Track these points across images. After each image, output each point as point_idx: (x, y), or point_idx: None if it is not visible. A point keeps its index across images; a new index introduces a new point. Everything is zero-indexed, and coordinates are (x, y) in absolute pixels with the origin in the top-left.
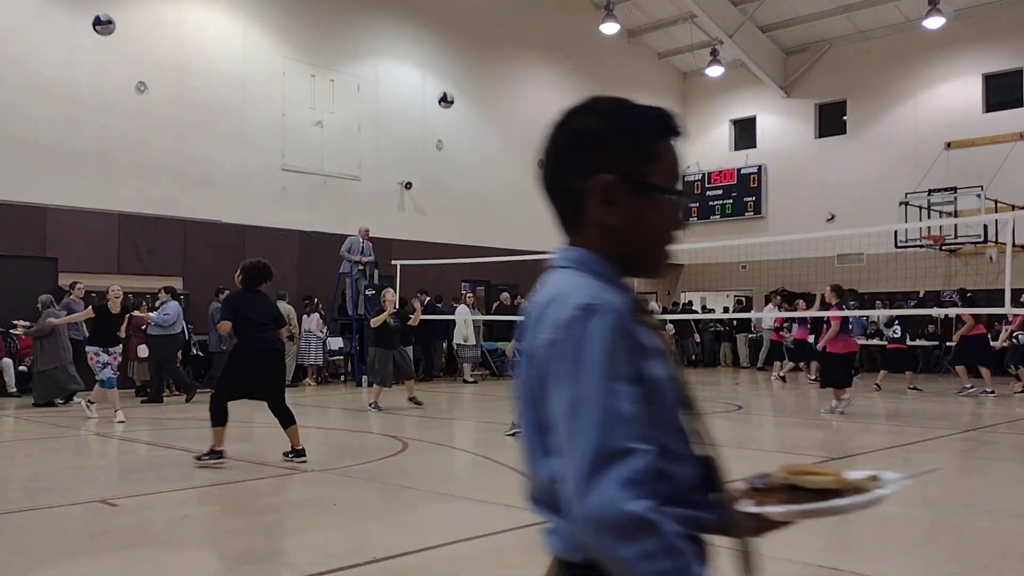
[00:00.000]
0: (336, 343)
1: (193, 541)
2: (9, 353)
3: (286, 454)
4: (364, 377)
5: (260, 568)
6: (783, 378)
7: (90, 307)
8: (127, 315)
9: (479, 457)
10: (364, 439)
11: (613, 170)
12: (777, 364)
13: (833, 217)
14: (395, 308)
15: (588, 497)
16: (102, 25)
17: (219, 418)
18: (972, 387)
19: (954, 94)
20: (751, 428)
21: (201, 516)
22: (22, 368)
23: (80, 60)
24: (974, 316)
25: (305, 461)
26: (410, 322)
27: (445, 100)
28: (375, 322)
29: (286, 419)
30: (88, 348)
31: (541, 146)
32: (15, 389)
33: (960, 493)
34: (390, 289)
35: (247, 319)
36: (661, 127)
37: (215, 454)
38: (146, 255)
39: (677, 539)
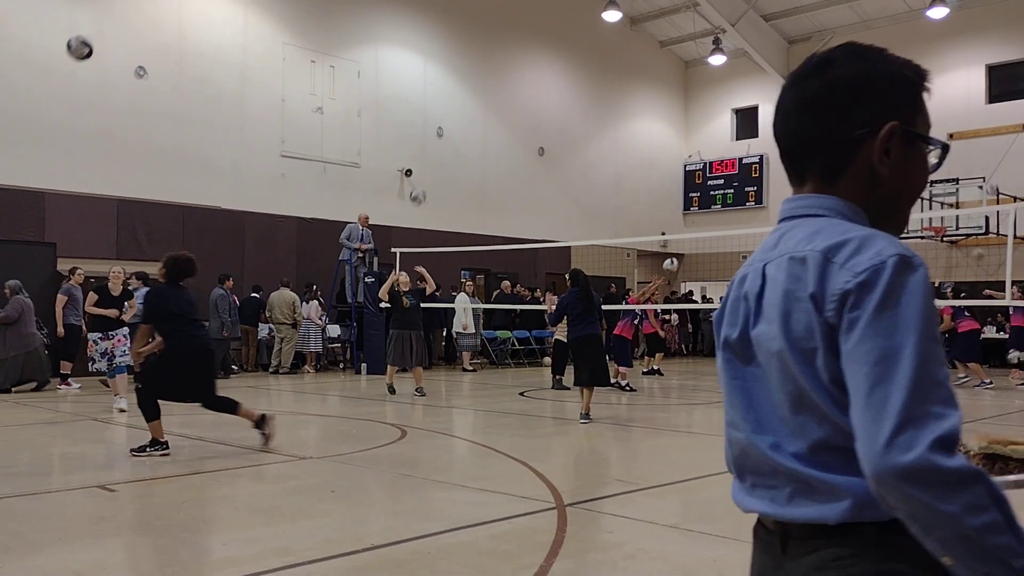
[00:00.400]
0: (335, 331)
1: (192, 526)
2: None
3: (259, 429)
4: (364, 365)
5: (259, 553)
6: None
7: (92, 291)
8: (129, 299)
9: (477, 445)
10: (362, 426)
11: (892, 118)
12: None
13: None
14: (408, 287)
15: (902, 451)
16: (72, 50)
17: (153, 413)
18: (967, 377)
19: (957, 85)
20: None
21: (200, 501)
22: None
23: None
24: (957, 312)
25: (267, 435)
26: (427, 292)
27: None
28: (382, 291)
29: (229, 408)
30: (90, 335)
31: (786, 97)
32: None
33: None
34: (404, 272)
35: (179, 316)
36: (923, 76)
37: (159, 444)
38: (145, 241)
39: (1001, 489)
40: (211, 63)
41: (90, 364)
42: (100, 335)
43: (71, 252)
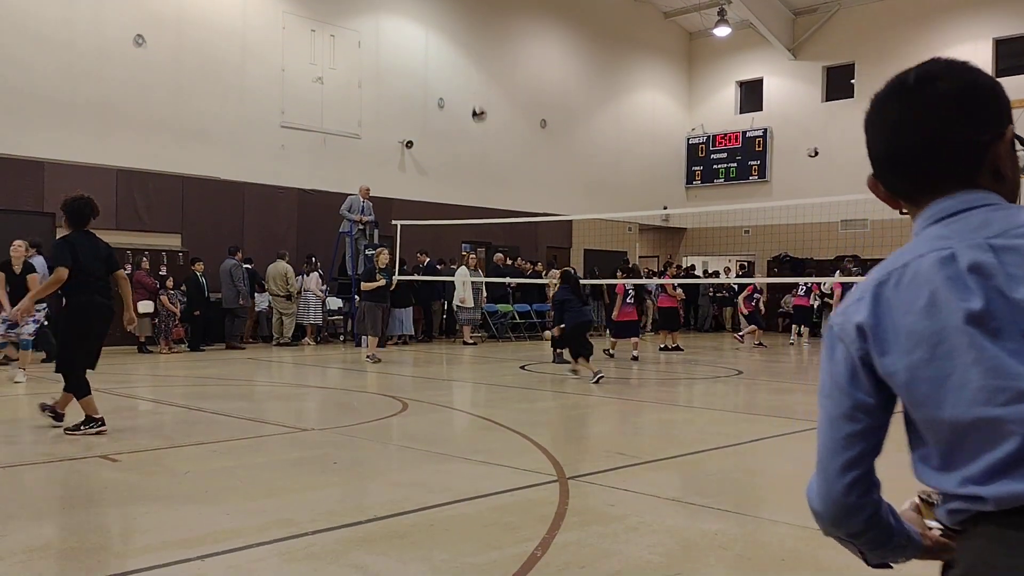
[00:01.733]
0: (335, 303)
1: (195, 497)
2: None
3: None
4: (364, 337)
5: (262, 524)
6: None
7: None
8: (29, 274)
9: (479, 418)
10: (364, 399)
11: (1008, 122)
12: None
13: (816, 152)
14: (385, 266)
15: None
16: None
17: (84, 389)
18: None
19: (964, 58)
20: (755, 393)
21: (202, 473)
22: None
23: (78, 13)
24: None
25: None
26: (392, 288)
27: (476, 114)
28: (367, 286)
29: (84, 390)
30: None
31: (894, 109)
32: None
33: None
34: (384, 249)
35: (85, 270)
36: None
37: (94, 422)
38: (144, 211)
39: None
40: (210, 32)
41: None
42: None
43: None
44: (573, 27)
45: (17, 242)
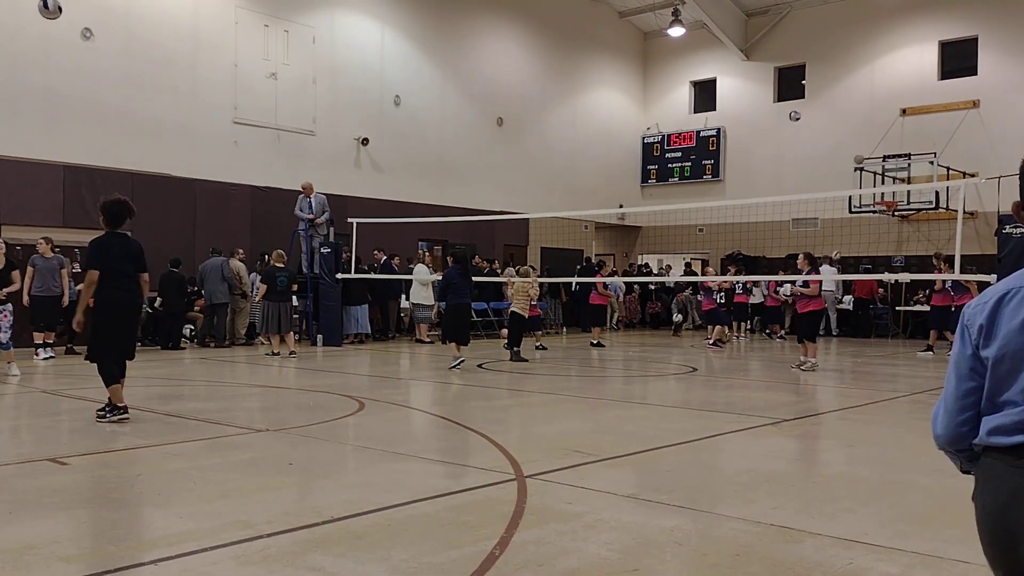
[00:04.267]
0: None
1: (148, 499)
2: None
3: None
4: (320, 336)
5: (217, 527)
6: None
7: None
8: (13, 271)
9: (436, 417)
10: (320, 398)
11: None
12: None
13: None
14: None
15: None
16: (47, 10)
17: (111, 378)
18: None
19: (910, 61)
20: (710, 389)
21: (155, 475)
22: None
23: (23, 5)
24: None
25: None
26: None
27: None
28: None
29: (114, 379)
30: None
31: None
32: None
33: (905, 453)
34: (279, 251)
35: (115, 269)
36: None
37: (118, 410)
38: (93, 208)
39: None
40: (161, 25)
41: None
42: None
43: (16, 220)
44: (530, 25)
45: None
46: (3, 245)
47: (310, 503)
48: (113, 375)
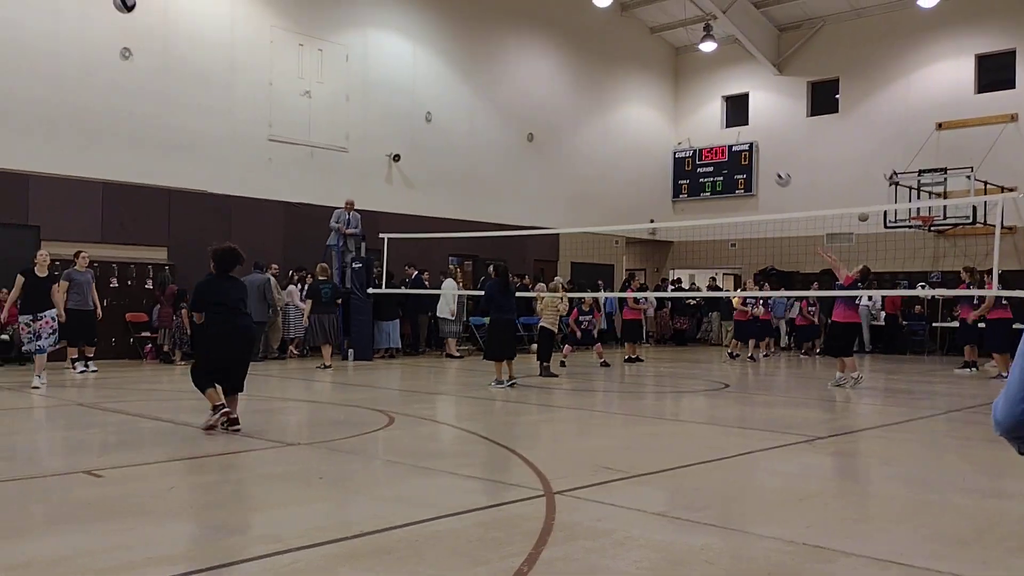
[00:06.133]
0: None
1: (179, 513)
2: None
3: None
4: (350, 351)
5: (246, 540)
6: (752, 357)
7: (19, 274)
8: (54, 284)
9: (465, 432)
10: (350, 412)
11: None
12: (752, 343)
13: (787, 177)
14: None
15: None
16: (124, 6)
17: (206, 385)
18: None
19: (946, 74)
20: (742, 406)
21: (187, 488)
22: (4, 337)
23: (64, 25)
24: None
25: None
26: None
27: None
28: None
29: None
30: (20, 318)
31: None
32: None
33: (941, 472)
34: (323, 265)
35: (217, 303)
36: None
37: (215, 408)
38: (130, 224)
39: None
40: (198, 45)
41: (23, 346)
42: (31, 317)
43: (55, 235)
44: (560, 41)
45: (42, 252)
46: (48, 256)
47: (339, 517)
48: (205, 385)
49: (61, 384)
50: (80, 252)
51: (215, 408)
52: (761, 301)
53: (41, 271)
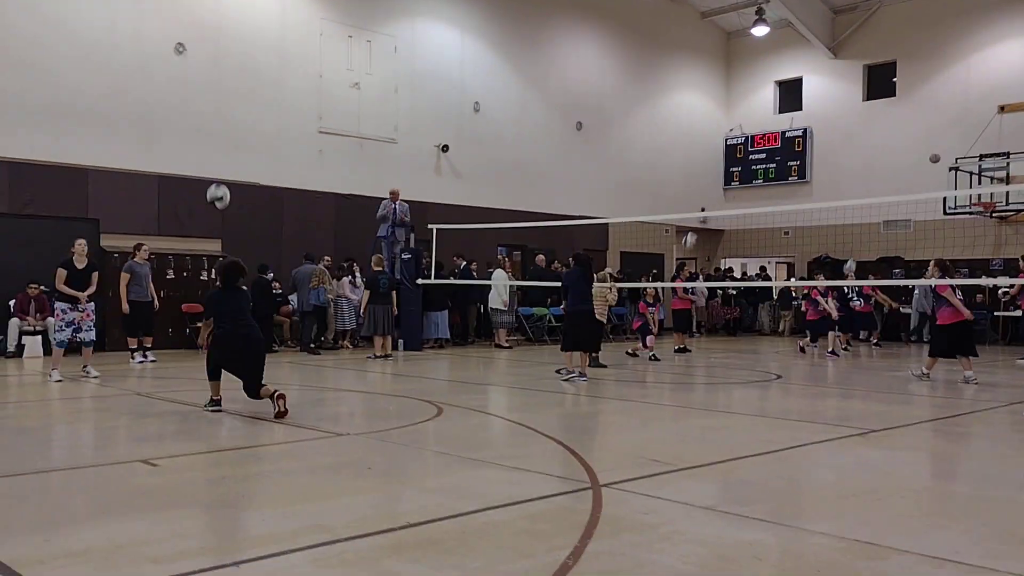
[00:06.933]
0: None
1: (231, 502)
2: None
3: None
4: (401, 341)
5: (296, 530)
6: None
7: (59, 266)
8: (95, 272)
9: (513, 423)
10: (399, 403)
11: None
12: (831, 336)
13: (938, 159)
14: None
15: None
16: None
17: (210, 377)
18: None
19: (1008, 55)
20: (794, 398)
21: (239, 477)
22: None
23: (120, 22)
24: None
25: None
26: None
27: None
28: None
29: (255, 393)
30: (57, 305)
31: None
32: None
33: (1003, 467)
34: (378, 255)
35: (222, 312)
36: None
37: (212, 402)
38: (186, 217)
39: None
40: (249, 39)
41: (51, 332)
42: (69, 306)
43: (114, 228)
44: (609, 28)
45: (80, 240)
46: (86, 245)
47: (387, 508)
48: (213, 376)
49: (121, 375)
50: (141, 244)
51: (211, 400)
52: (830, 295)
53: (80, 261)
